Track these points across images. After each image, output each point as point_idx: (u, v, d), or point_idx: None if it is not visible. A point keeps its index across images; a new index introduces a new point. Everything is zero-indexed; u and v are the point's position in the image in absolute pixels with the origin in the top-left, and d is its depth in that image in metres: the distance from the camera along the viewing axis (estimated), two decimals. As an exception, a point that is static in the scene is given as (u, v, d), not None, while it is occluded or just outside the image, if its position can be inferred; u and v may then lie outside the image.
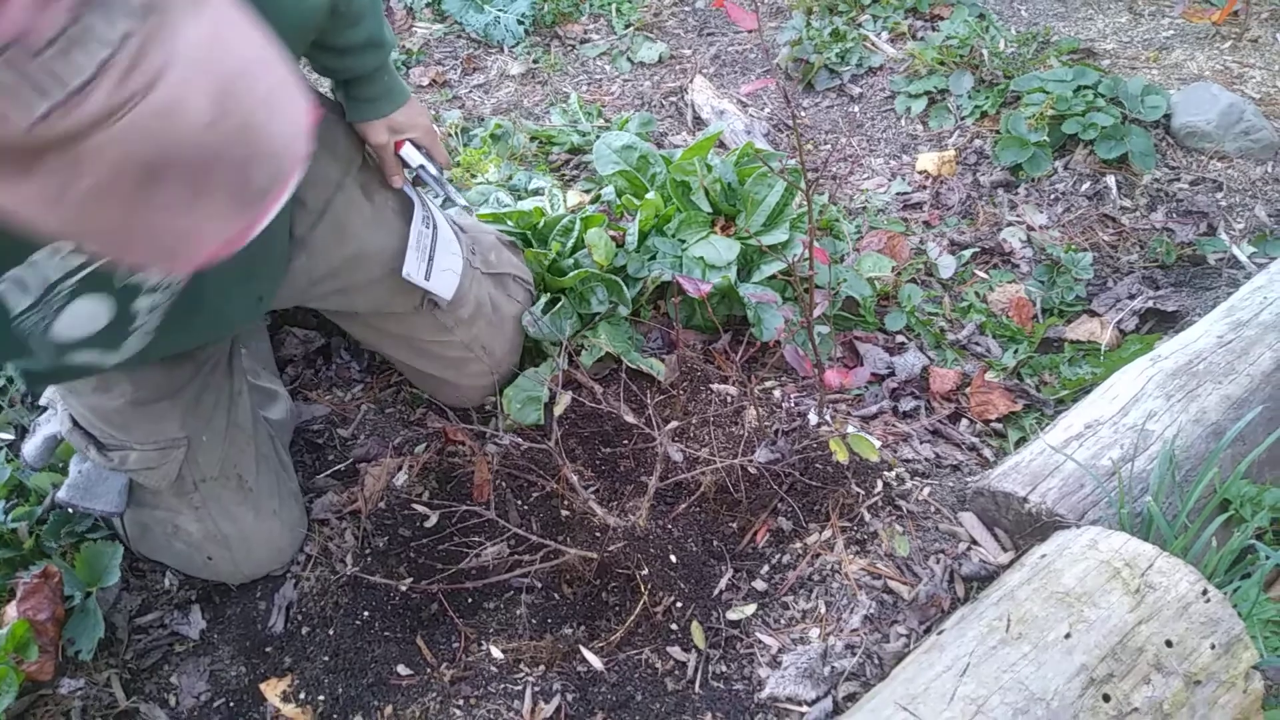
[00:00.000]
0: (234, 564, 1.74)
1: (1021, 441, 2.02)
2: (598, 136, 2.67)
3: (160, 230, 0.68)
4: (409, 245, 1.72)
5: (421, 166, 1.78)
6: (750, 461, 1.76)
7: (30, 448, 1.72)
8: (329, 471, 1.99)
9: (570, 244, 2.15)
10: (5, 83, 0.56)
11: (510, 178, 2.69)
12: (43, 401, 1.82)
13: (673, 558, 1.72)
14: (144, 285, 1.20)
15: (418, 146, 1.77)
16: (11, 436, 1.99)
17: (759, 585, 1.70)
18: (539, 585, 1.74)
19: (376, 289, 1.79)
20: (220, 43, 0.64)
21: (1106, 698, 1.30)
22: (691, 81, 3.52)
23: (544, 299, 2.10)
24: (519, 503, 1.89)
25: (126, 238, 0.68)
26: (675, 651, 1.61)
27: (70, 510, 1.72)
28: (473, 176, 2.78)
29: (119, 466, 1.61)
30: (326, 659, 1.67)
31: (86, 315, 1.17)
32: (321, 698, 1.61)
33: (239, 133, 0.65)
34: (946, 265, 2.56)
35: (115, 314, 1.20)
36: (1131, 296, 2.49)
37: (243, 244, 0.73)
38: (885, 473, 1.83)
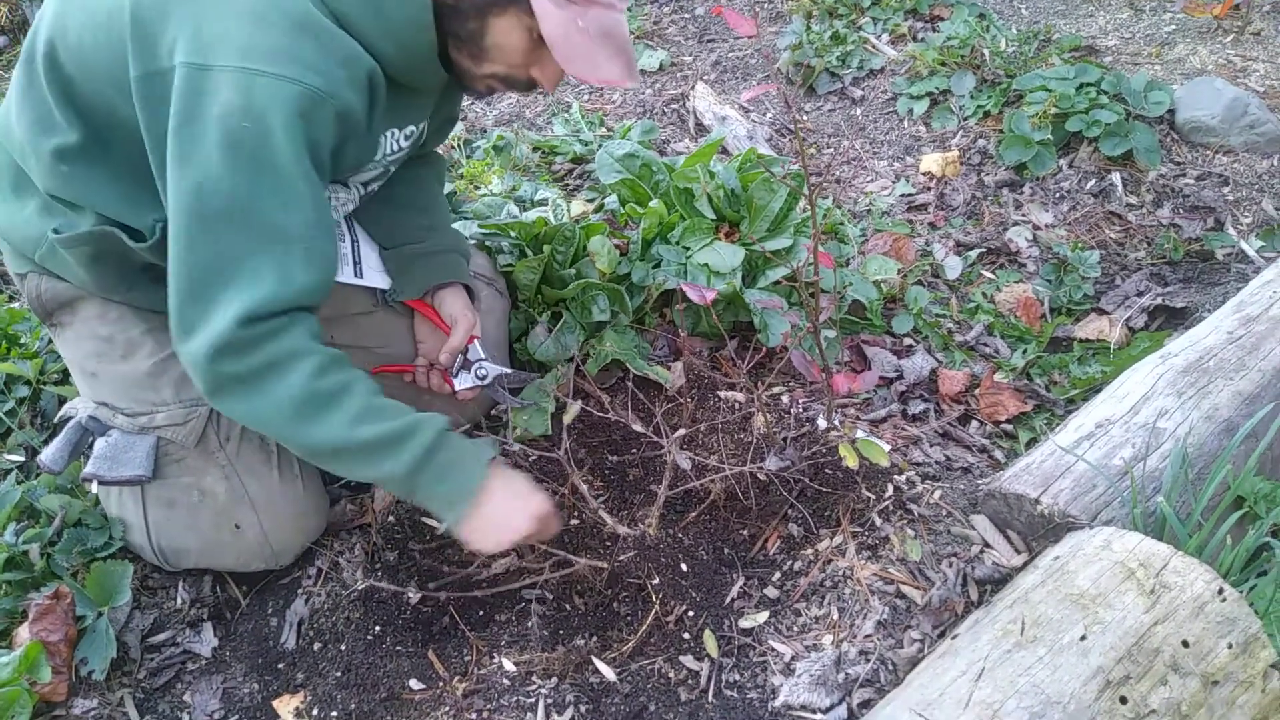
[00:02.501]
0: (262, 531, 1.74)
1: (1032, 442, 2.01)
2: (600, 145, 2.68)
3: (601, 58, 1.49)
4: None
5: (481, 359, 1.91)
6: (759, 468, 1.75)
7: (49, 451, 1.72)
8: (340, 483, 1.99)
9: (570, 253, 2.15)
10: None
11: (514, 189, 2.69)
12: (62, 412, 1.83)
13: (684, 566, 1.71)
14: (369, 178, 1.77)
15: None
16: (22, 458, 1.99)
17: (771, 592, 1.69)
18: (550, 596, 1.74)
19: (335, 292, 1.87)
20: None
21: (1124, 700, 1.29)
22: (693, 88, 3.53)
23: (547, 314, 2.10)
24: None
25: (594, 56, 1.48)
26: (688, 661, 1.60)
27: (98, 483, 1.73)
28: (476, 188, 2.79)
29: (147, 425, 1.70)
30: (339, 674, 1.67)
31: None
32: (334, 714, 1.61)
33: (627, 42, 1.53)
34: (953, 266, 2.56)
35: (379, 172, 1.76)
36: (1140, 294, 2.48)
37: (625, 85, 1.64)
38: (896, 476, 1.82)
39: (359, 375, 1.53)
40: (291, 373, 1.44)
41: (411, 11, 1.45)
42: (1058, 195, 2.84)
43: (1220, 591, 1.41)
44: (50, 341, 2.19)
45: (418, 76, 1.57)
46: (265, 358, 1.42)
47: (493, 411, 2.09)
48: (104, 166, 1.53)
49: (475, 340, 1.90)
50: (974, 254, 2.61)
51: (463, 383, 1.89)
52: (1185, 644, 1.35)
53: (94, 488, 1.78)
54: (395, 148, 1.69)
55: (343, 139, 1.47)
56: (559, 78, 1.60)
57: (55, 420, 1.86)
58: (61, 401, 2.07)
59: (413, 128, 1.70)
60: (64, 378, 2.12)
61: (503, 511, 1.55)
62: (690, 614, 1.66)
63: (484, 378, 1.89)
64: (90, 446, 1.71)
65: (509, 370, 1.93)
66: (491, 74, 1.58)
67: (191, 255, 1.39)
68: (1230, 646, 1.37)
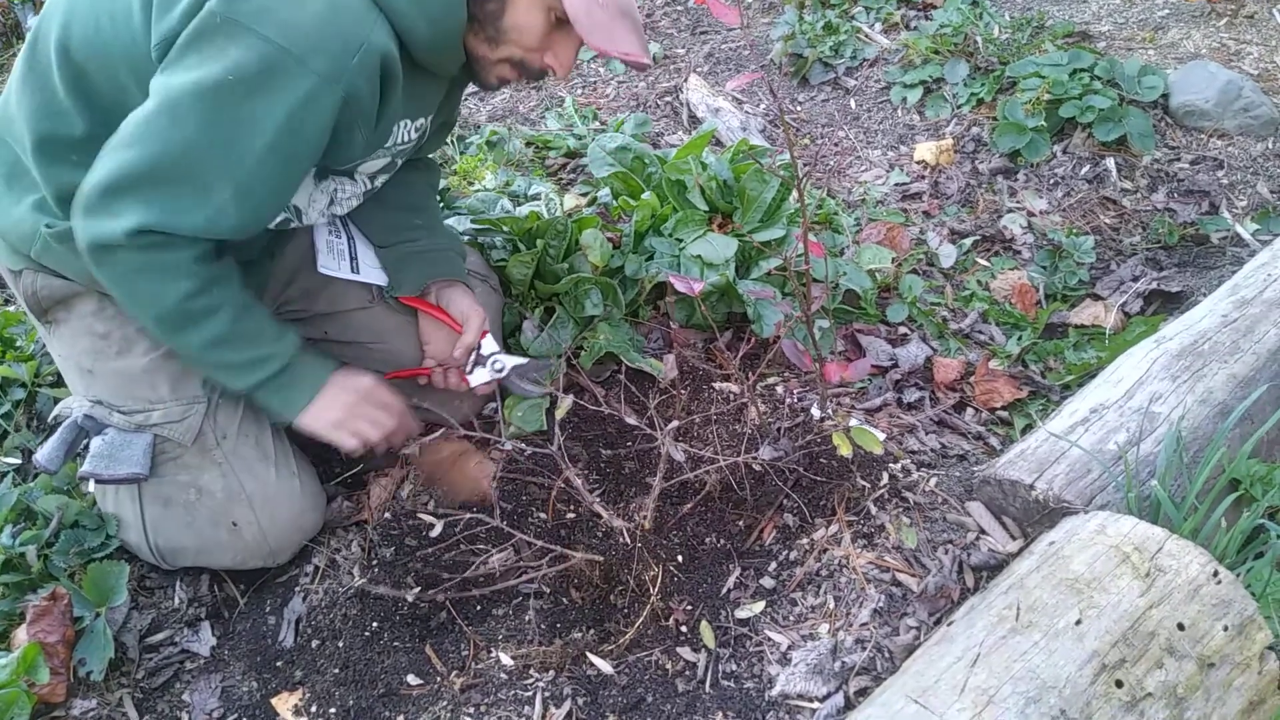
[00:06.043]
0: (260, 529, 1.74)
1: (1028, 428, 2.01)
2: (593, 139, 2.67)
3: (619, 34, 1.58)
4: (318, 249, 1.91)
5: (496, 353, 1.94)
6: (754, 459, 1.75)
7: (44, 450, 1.71)
8: (336, 480, 1.99)
9: (563, 247, 2.15)
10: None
11: (508, 184, 2.69)
12: (56, 412, 1.83)
13: (680, 558, 1.71)
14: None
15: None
16: (18, 461, 2.00)
17: (767, 582, 1.69)
18: (547, 590, 1.74)
19: (330, 287, 1.93)
20: None
21: (1119, 683, 1.29)
22: (686, 80, 3.52)
23: (539, 310, 2.10)
24: (524, 508, 1.89)
25: (613, 30, 1.56)
26: (685, 652, 1.60)
27: (95, 482, 1.73)
28: (470, 184, 2.79)
29: (144, 424, 1.71)
30: (337, 671, 1.67)
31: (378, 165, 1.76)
32: (333, 710, 1.61)
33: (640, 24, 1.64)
34: (947, 254, 2.55)
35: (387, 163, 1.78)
36: (1135, 279, 2.47)
37: (640, 59, 1.62)
38: (891, 465, 1.82)
39: (230, 299, 1.60)
40: (165, 285, 1.52)
41: None
42: (1052, 182, 2.84)
43: (1215, 574, 1.41)
44: (44, 346, 2.19)
45: (441, 57, 1.61)
46: (142, 263, 1.49)
47: (484, 411, 2.09)
48: None
49: (487, 334, 1.91)
50: (968, 242, 2.61)
51: (478, 378, 1.91)
52: (1181, 627, 1.35)
53: (91, 486, 1.78)
54: (406, 138, 1.73)
55: (348, 125, 1.50)
56: (572, 61, 1.67)
57: (50, 419, 1.86)
58: (57, 404, 2.07)
59: (423, 120, 1.75)
60: (59, 380, 2.12)
61: (335, 407, 1.71)
62: (687, 605, 1.66)
63: (500, 370, 1.90)
64: (86, 445, 1.71)
65: (524, 360, 1.93)
66: (506, 58, 1.64)
67: (129, 152, 1.43)
68: (1226, 629, 1.37)
